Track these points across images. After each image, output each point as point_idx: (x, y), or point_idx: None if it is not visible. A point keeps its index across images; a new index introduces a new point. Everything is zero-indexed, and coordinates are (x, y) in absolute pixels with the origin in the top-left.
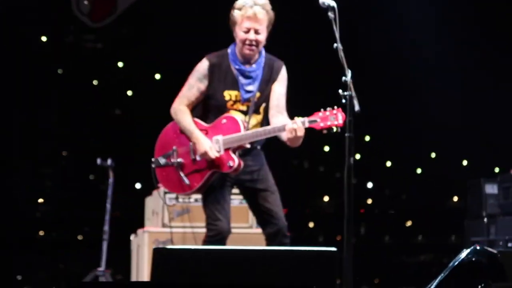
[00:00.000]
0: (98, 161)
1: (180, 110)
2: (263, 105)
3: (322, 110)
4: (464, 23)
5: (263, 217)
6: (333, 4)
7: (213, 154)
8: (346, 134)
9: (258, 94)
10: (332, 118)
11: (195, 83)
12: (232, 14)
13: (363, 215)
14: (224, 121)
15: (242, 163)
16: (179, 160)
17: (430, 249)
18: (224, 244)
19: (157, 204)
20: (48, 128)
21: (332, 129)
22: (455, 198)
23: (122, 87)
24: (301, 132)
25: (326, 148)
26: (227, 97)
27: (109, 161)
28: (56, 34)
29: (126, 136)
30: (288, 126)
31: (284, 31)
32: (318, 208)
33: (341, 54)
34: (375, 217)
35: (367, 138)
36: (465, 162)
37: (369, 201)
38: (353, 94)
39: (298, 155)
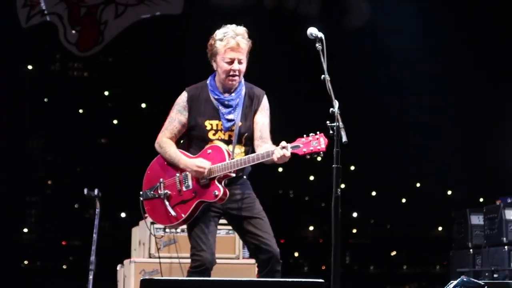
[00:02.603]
0: (85, 191)
1: (164, 141)
2: (246, 134)
3: (304, 135)
4: (449, 48)
5: (254, 244)
6: (321, 35)
7: (204, 166)
8: (334, 165)
9: (240, 123)
10: (314, 143)
11: (176, 116)
12: (213, 45)
13: (349, 244)
14: (209, 151)
15: (227, 192)
16: (166, 191)
17: (415, 279)
18: (208, 275)
19: (143, 234)
20: (34, 157)
21: (315, 154)
22: (440, 228)
23: (108, 116)
24: (286, 158)
25: (311, 178)
26: (208, 127)
27: (96, 191)
28: (43, 63)
29: (111, 164)
30: (275, 156)
31: (272, 62)
32: (303, 237)
33: (329, 85)
34: (360, 247)
35: (352, 167)
36: (449, 192)
37: (354, 230)
38: (341, 125)
39: (284, 185)
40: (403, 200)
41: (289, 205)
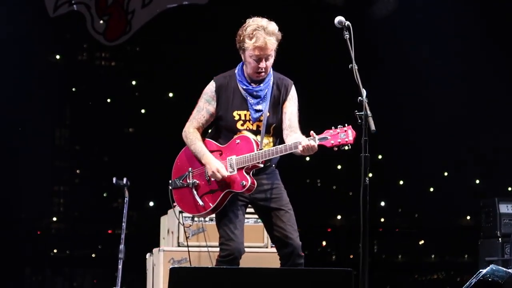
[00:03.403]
0: (114, 180)
1: (190, 133)
2: (274, 125)
3: (332, 127)
4: (477, 40)
5: (277, 237)
6: (348, 24)
7: (221, 174)
8: (362, 154)
9: (268, 114)
10: (342, 136)
11: (204, 105)
12: (242, 41)
13: (377, 233)
14: (237, 141)
15: (255, 182)
16: (194, 181)
17: (443, 268)
18: (237, 264)
19: (172, 223)
20: (62, 146)
21: (342, 146)
22: (468, 217)
23: (135, 105)
24: (313, 149)
25: (339, 167)
26: (236, 117)
27: (124, 180)
28: (70, 53)
29: (139, 154)
30: (300, 146)
31: (299, 51)
32: (331, 226)
33: (357, 74)
34: (388, 236)
35: (380, 156)
36: (477, 181)
37: (382, 219)
38: (369, 114)
39: (311, 174)
40: (431, 189)
41: (316, 194)
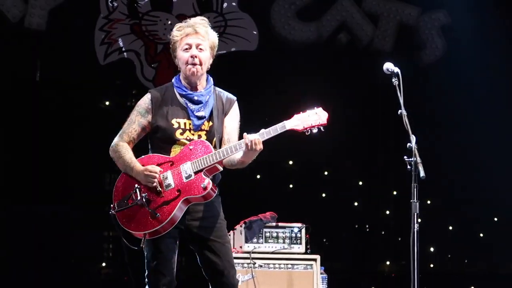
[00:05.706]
0: None
1: (120, 145)
2: (215, 137)
3: (302, 111)
4: None
5: (210, 272)
6: (397, 70)
7: (153, 170)
8: (412, 200)
9: (210, 123)
10: (314, 117)
11: (136, 118)
12: (171, 40)
13: (426, 279)
14: (191, 147)
15: (216, 188)
16: (144, 195)
17: None
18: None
19: None
20: (110, 191)
21: (315, 129)
22: None
23: None
24: (259, 145)
25: (387, 212)
26: (175, 125)
27: None
28: (120, 99)
29: None
30: (247, 139)
31: (346, 97)
32: (379, 272)
33: (406, 120)
34: (438, 282)
35: (428, 201)
36: None
37: (431, 265)
38: (418, 160)
39: (360, 219)
40: (481, 235)
41: (365, 239)
